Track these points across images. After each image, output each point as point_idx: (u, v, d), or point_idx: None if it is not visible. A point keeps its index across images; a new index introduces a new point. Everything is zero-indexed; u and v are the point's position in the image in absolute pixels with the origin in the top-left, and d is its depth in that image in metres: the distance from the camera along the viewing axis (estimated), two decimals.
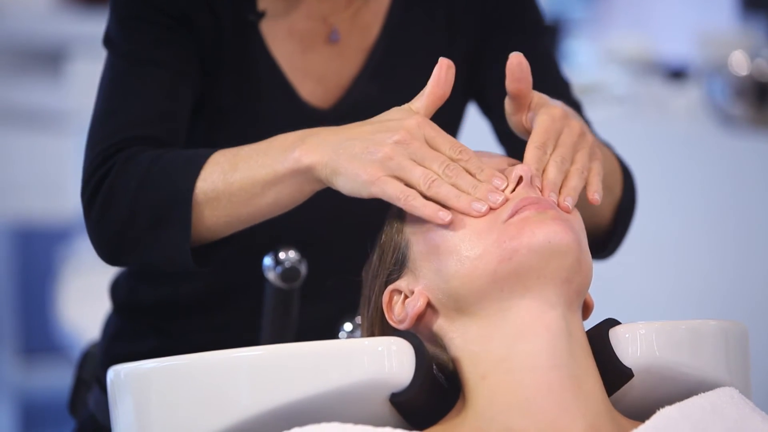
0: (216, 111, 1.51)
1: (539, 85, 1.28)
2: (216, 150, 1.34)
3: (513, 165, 1.27)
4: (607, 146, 1.54)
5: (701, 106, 3.09)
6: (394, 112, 1.27)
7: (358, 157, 1.23)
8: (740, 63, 2.96)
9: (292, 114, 1.53)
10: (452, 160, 1.23)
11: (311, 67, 1.53)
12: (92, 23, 3.75)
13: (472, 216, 1.21)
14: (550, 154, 1.26)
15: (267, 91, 1.52)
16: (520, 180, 1.25)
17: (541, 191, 1.24)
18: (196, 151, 1.35)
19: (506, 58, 1.51)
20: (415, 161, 1.22)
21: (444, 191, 1.22)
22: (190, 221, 1.31)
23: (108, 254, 1.37)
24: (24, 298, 4.19)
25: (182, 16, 1.46)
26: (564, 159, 1.26)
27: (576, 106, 1.59)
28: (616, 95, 3.38)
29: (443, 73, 1.27)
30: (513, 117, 1.31)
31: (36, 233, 4.24)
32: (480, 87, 1.61)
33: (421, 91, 1.28)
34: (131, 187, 1.33)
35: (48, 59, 4.05)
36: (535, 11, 1.62)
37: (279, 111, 1.53)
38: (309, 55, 1.53)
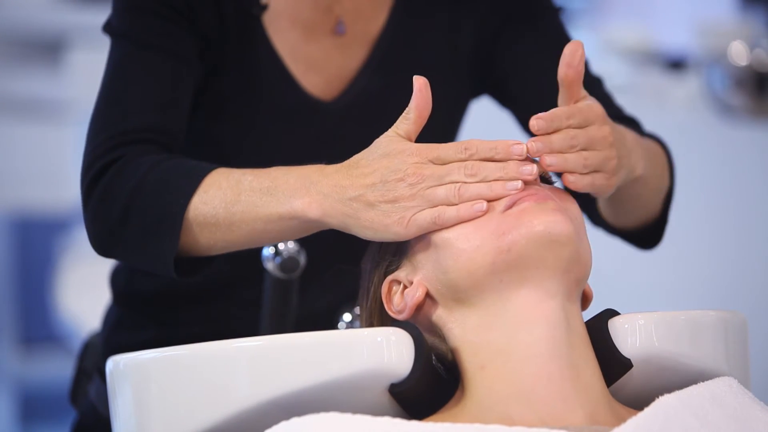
0: (218, 103, 1.51)
1: (554, 66, 1.24)
2: (214, 167, 1.33)
3: None
4: (649, 136, 1.52)
5: (700, 96, 3.09)
6: (387, 144, 1.24)
7: (378, 208, 1.21)
8: (739, 53, 2.95)
9: (295, 105, 1.53)
10: (464, 161, 1.22)
11: (314, 59, 1.53)
12: (92, 13, 3.75)
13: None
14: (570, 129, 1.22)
15: (268, 82, 1.52)
16: None
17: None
18: (195, 165, 1.34)
19: (521, 48, 1.51)
20: (434, 186, 1.21)
21: (474, 191, 1.20)
22: (179, 236, 1.31)
23: (99, 247, 1.38)
24: (23, 288, 4.19)
25: (186, 8, 1.46)
26: (576, 138, 1.22)
27: (598, 81, 1.60)
28: (615, 85, 3.36)
29: (423, 94, 1.24)
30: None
31: (35, 223, 4.24)
32: (498, 80, 1.60)
33: (404, 114, 1.25)
34: (127, 188, 1.34)
35: (47, 49, 4.04)
36: None
37: (281, 102, 1.52)
38: (312, 46, 1.53)
